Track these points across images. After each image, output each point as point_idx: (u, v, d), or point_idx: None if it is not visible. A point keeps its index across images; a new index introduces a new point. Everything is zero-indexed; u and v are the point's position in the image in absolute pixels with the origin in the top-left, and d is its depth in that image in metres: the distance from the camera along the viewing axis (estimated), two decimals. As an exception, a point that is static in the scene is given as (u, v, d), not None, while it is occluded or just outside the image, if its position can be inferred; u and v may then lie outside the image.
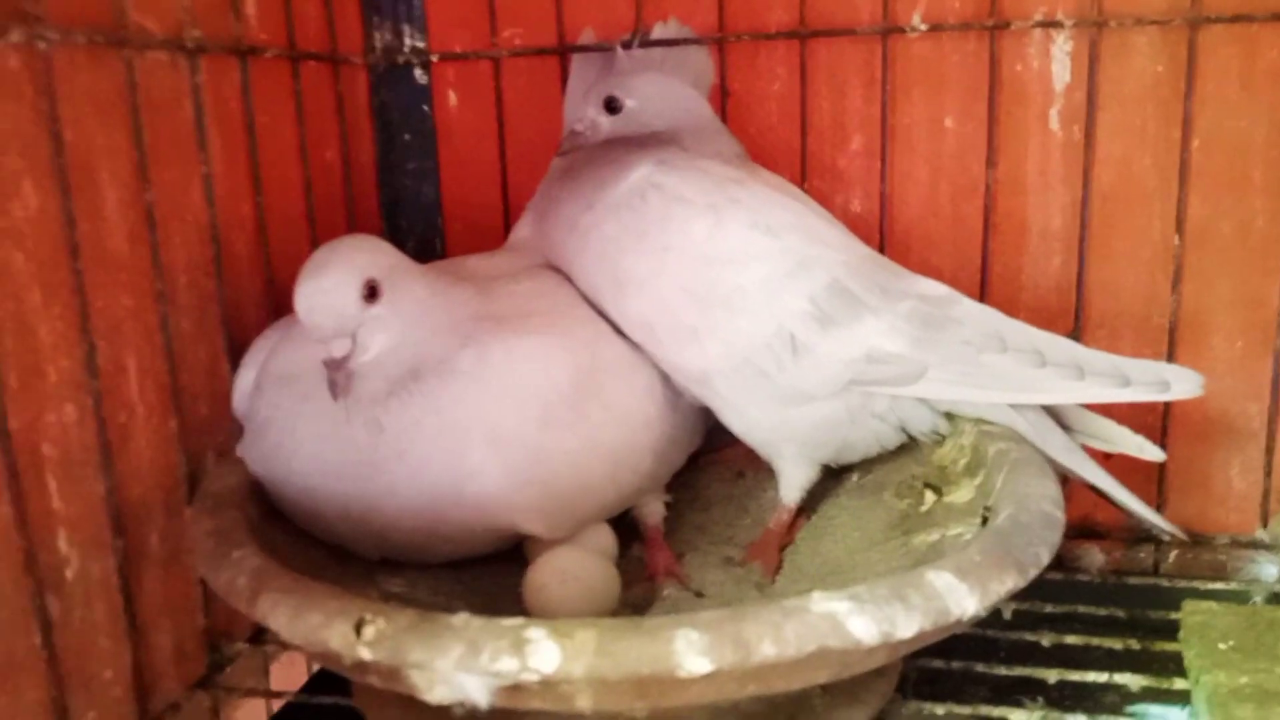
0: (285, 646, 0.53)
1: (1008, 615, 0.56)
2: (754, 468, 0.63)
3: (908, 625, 0.37)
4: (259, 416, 0.51)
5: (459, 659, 0.35)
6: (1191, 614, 0.52)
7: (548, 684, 0.35)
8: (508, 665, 0.35)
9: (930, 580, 0.38)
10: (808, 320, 0.53)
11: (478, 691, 0.35)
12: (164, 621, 0.53)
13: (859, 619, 0.36)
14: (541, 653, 0.35)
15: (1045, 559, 0.42)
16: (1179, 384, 0.51)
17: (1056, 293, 0.67)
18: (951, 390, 0.53)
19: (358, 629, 0.36)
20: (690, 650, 0.35)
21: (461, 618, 0.36)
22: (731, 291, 0.53)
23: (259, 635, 0.58)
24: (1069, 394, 0.52)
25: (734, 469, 0.65)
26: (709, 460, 0.65)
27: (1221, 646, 0.49)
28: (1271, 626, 0.50)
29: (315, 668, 0.64)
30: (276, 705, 0.59)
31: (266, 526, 0.48)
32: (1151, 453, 0.55)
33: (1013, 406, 0.53)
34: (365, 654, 0.36)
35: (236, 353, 0.57)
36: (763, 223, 0.54)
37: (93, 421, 0.48)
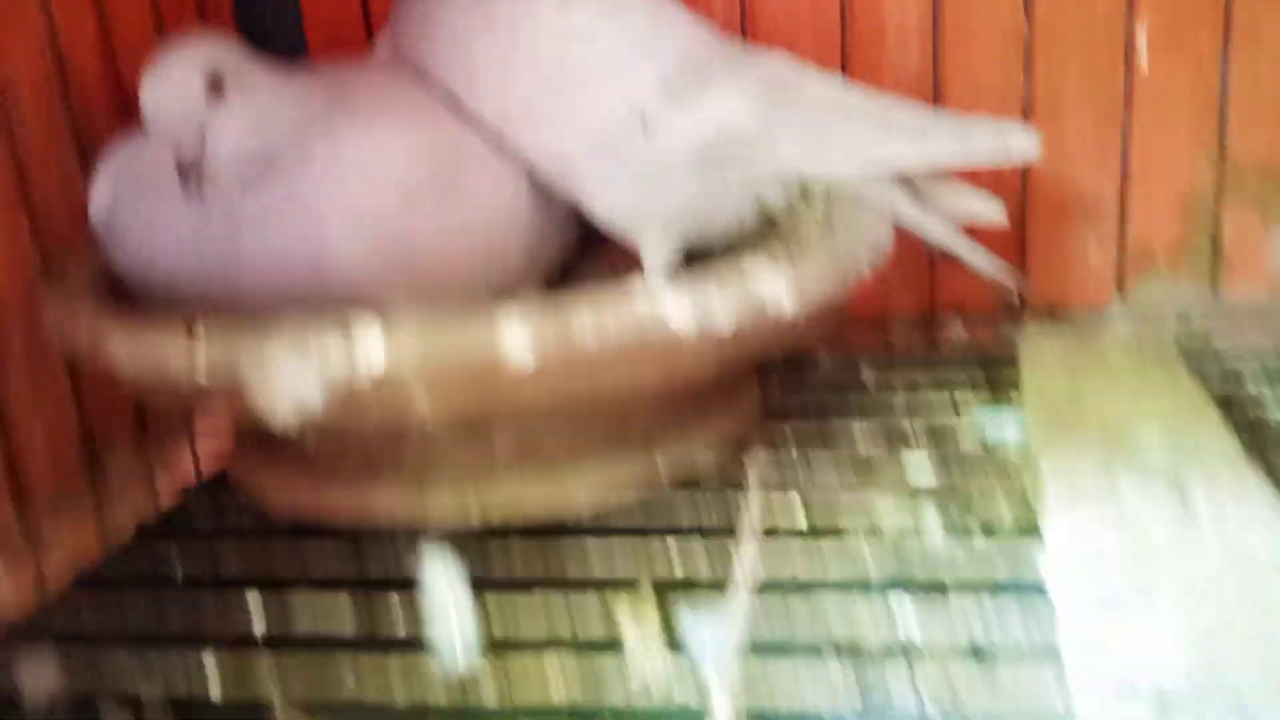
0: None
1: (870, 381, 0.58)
2: (627, 263, 0.64)
3: (725, 314, 0.39)
4: (119, 225, 0.51)
5: (290, 349, 0.36)
6: (1031, 340, 0.55)
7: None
8: (337, 358, 0.36)
9: (746, 269, 0.40)
10: (659, 97, 0.53)
11: (311, 391, 0.37)
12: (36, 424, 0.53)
13: (676, 303, 0.38)
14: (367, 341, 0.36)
15: (866, 269, 0.44)
16: (1015, 138, 0.53)
17: (917, 86, 0.69)
18: (802, 162, 0.54)
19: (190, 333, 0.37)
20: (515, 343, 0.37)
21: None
22: (582, 72, 0.54)
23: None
24: (915, 156, 0.53)
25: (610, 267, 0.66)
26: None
27: (1052, 364, 0.51)
28: (1104, 355, 0.53)
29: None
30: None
31: (118, 298, 0.49)
32: (993, 209, 0.56)
33: (865, 177, 0.55)
34: (201, 361, 0.37)
35: (89, 165, 0.56)
36: (609, 3, 0.54)
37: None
